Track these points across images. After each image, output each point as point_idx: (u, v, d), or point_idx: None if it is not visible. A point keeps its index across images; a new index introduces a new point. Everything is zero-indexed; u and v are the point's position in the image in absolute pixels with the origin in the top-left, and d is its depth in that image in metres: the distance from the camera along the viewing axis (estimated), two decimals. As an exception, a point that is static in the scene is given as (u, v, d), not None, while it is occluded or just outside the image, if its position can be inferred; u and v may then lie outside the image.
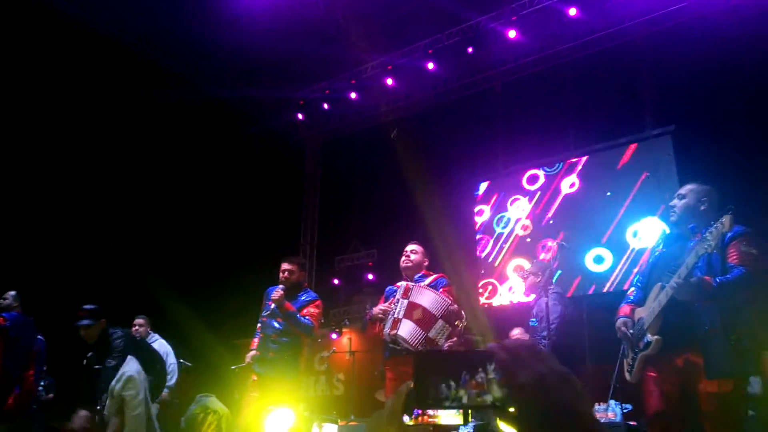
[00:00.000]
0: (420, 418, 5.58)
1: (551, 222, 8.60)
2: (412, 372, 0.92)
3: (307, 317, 4.86)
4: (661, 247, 3.36)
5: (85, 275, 8.25)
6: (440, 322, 3.90)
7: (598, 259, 8.10)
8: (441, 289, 4.22)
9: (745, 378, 2.83)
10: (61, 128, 8.41)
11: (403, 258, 4.45)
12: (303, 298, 4.98)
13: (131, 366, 5.23)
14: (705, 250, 2.76)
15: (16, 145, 8.03)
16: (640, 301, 3.27)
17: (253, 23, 8.10)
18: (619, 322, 3.28)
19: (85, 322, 5.11)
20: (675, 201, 3.29)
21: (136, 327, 6.27)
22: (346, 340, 9.31)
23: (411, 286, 4.17)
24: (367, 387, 7.90)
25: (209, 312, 7.95)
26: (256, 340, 5.10)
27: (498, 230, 9.06)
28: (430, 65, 9.19)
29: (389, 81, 9.56)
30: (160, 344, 6.25)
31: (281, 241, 10.53)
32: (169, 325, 7.38)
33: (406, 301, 4.05)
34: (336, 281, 10.45)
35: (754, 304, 2.90)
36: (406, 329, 3.92)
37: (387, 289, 4.53)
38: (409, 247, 4.49)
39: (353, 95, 9.99)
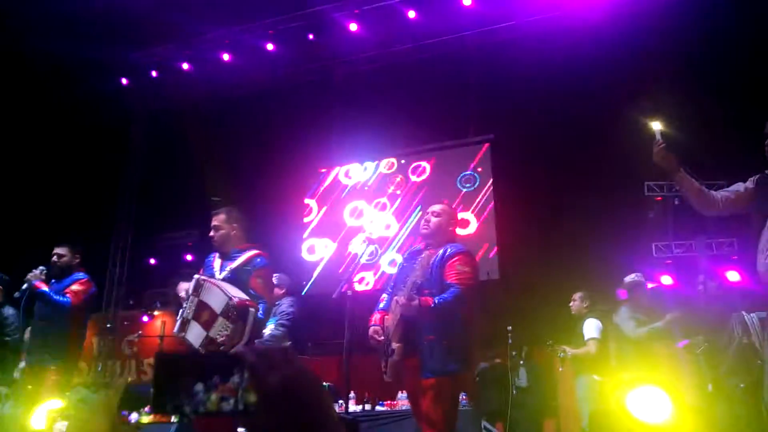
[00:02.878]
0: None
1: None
2: (153, 374, 0.83)
3: (66, 294, 4.63)
4: (403, 261, 3.74)
5: None
6: (220, 319, 3.54)
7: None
8: (254, 272, 3.83)
9: (452, 375, 3.26)
10: None
11: (211, 231, 4.01)
12: (69, 279, 4.76)
13: None
14: (421, 278, 3.22)
15: None
16: (388, 308, 3.56)
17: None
18: (371, 330, 3.56)
19: None
20: (429, 216, 3.66)
21: None
22: (159, 324, 8.87)
23: (202, 282, 3.68)
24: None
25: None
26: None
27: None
28: (270, 46, 8.98)
29: (226, 56, 9.19)
30: None
31: (95, 215, 9.72)
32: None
33: (196, 300, 3.64)
34: (153, 261, 9.88)
35: (466, 312, 3.35)
36: (193, 334, 3.61)
37: (207, 260, 4.07)
38: (215, 221, 3.97)
39: (186, 66, 9.46)
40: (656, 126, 3.22)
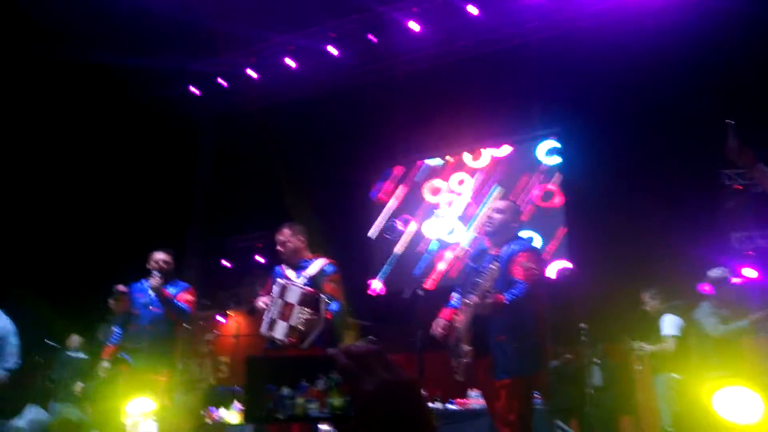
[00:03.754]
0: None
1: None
2: (244, 380, 0.85)
3: (183, 302, 4.83)
4: (470, 261, 3.75)
5: None
6: (296, 308, 3.93)
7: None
8: (326, 278, 4.19)
9: (526, 375, 3.31)
10: None
11: (278, 246, 4.34)
12: (176, 288, 4.91)
13: None
14: (491, 281, 3.20)
15: None
16: (459, 306, 3.59)
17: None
18: (440, 324, 3.60)
19: None
20: (492, 213, 3.65)
21: None
22: (233, 323, 9.17)
23: (286, 285, 4.06)
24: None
25: (79, 291, 7.43)
26: (111, 347, 4.87)
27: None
28: (333, 49, 9.10)
29: (290, 62, 9.38)
30: (3, 322, 5.61)
31: (169, 220, 10.11)
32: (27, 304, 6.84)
33: (281, 302, 3.99)
34: (226, 263, 10.18)
35: (536, 310, 3.37)
36: (278, 330, 3.93)
37: (275, 270, 4.40)
38: (281, 237, 4.32)
39: (253, 73, 9.71)
40: (729, 122, 3.11)
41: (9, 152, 8.31)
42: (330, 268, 4.26)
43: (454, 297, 3.72)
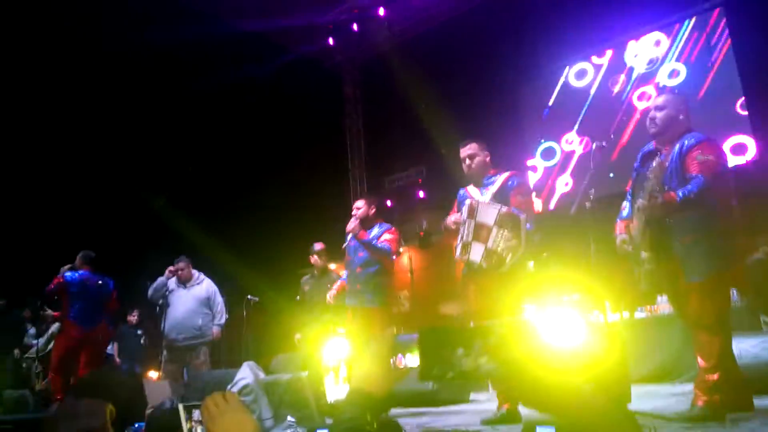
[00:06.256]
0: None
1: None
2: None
3: (384, 242, 4.87)
4: (637, 165, 3.46)
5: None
6: (494, 229, 3.65)
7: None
8: (512, 191, 3.91)
9: (719, 274, 3.05)
10: (82, 72, 8.42)
11: (464, 165, 4.06)
12: (376, 229, 4.96)
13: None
14: (659, 185, 2.99)
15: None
16: (631, 216, 3.36)
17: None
18: (619, 240, 3.39)
19: None
20: (654, 113, 3.32)
21: (178, 270, 6.29)
22: (405, 259, 9.50)
23: (476, 204, 3.80)
24: (431, 302, 8.10)
25: (261, 245, 8.06)
26: (341, 285, 5.54)
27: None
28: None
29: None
30: (208, 284, 6.37)
31: (329, 169, 10.60)
32: (221, 264, 7.55)
33: (473, 222, 3.76)
34: (389, 202, 10.48)
35: (721, 203, 3.06)
36: (474, 252, 3.74)
37: (460, 194, 4.18)
38: (469, 150, 4.03)
39: (381, 11, 9.65)
40: None
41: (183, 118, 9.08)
42: (515, 180, 3.96)
43: (625, 207, 3.50)
